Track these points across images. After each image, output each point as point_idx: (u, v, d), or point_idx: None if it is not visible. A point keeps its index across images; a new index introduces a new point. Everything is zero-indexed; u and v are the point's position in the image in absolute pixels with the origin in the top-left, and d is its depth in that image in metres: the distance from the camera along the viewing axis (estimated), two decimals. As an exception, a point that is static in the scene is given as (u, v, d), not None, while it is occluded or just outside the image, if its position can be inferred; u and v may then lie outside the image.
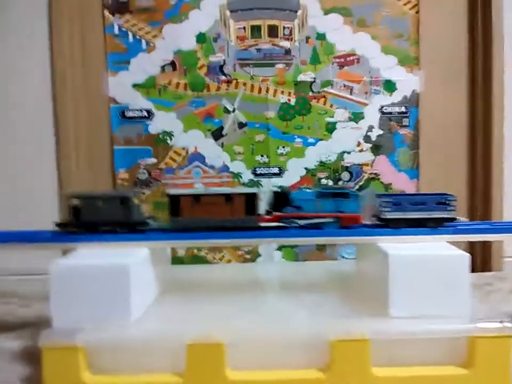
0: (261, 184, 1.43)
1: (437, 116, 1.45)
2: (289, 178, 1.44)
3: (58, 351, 0.70)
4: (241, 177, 1.43)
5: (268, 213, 0.88)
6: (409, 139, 1.46)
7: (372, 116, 1.45)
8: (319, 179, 1.45)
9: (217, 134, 1.41)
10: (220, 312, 0.83)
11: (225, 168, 1.42)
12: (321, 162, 1.45)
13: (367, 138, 1.45)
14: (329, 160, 1.45)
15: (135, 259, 0.77)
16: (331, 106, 1.43)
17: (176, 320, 0.78)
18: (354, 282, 0.96)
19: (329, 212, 0.87)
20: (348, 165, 1.45)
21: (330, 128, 1.44)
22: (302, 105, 1.43)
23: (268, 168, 1.43)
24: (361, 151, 1.45)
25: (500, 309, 0.99)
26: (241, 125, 1.41)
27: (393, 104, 1.44)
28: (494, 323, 0.73)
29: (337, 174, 1.46)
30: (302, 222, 0.86)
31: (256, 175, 1.43)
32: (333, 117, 1.44)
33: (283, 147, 1.43)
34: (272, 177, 1.43)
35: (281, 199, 0.88)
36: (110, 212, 0.84)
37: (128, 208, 0.84)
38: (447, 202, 0.86)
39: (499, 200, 1.41)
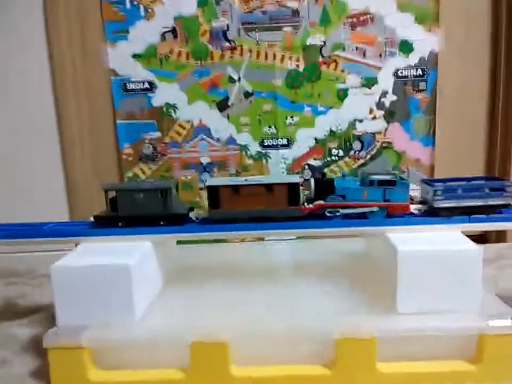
0: (269, 156, 1.39)
1: (456, 78, 1.36)
2: (298, 149, 1.40)
3: (63, 350, 0.72)
4: (248, 149, 1.38)
5: (310, 202, 0.84)
6: (425, 104, 1.38)
7: (386, 81, 1.36)
8: (329, 149, 1.40)
9: (222, 105, 1.36)
10: (225, 303, 0.82)
11: (231, 140, 1.38)
12: (331, 131, 1.39)
13: (380, 105, 1.38)
14: (340, 129, 1.39)
15: (137, 257, 0.76)
16: (342, 71, 1.35)
17: (179, 315, 0.78)
18: (363, 271, 0.93)
19: (375, 201, 0.82)
20: (360, 133, 1.39)
21: (342, 95, 1.37)
22: (312, 71, 1.35)
23: (275, 140, 1.38)
24: (374, 118, 1.39)
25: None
26: (248, 95, 1.35)
27: (409, 67, 1.35)
28: (504, 320, 0.71)
29: (348, 143, 1.40)
30: (346, 212, 0.82)
31: (264, 146, 1.38)
32: (344, 82, 1.36)
33: (291, 117, 1.37)
34: (280, 149, 1.39)
35: (324, 187, 0.84)
36: (150, 205, 0.81)
37: (168, 200, 0.81)
38: (503, 188, 0.81)
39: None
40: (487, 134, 1.39)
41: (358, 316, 0.75)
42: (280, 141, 1.38)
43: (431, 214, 0.82)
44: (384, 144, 1.40)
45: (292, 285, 0.90)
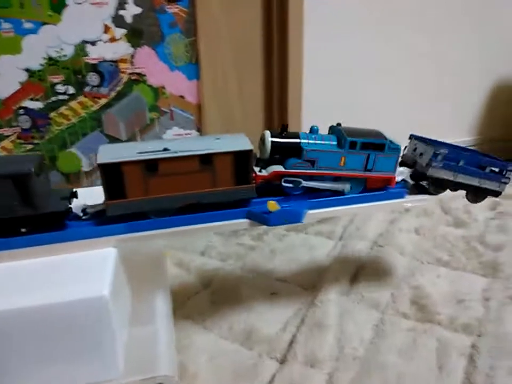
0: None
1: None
2: (4, 87, 0.97)
3: None
4: None
5: (263, 165, 0.61)
6: (184, 21, 1.01)
7: (122, -16, 0.96)
8: (53, 85, 0.99)
9: None
10: None
11: None
12: (51, 59, 0.97)
13: (118, 20, 0.98)
14: (64, 55, 0.97)
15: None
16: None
17: None
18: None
19: (354, 171, 0.62)
20: (95, 61, 1.00)
21: (57, 4, 0.93)
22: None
23: (-41, 72, 0.93)
24: (112, 40, 0.99)
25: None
26: None
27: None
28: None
29: (80, 76, 1.00)
30: (311, 184, 0.60)
31: None
32: (57, -15, 0.92)
33: (-20, 37, 0.92)
34: (-28, 86, 0.94)
35: (285, 147, 0.60)
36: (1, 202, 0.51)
37: (31, 191, 0.51)
38: (504, 171, 0.69)
39: (297, 101, 1.10)
40: (264, 58, 1.09)
41: None
42: (-32, 75, 0.93)
43: (415, 184, 0.69)
44: (133, 77, 1.03)
45: None
